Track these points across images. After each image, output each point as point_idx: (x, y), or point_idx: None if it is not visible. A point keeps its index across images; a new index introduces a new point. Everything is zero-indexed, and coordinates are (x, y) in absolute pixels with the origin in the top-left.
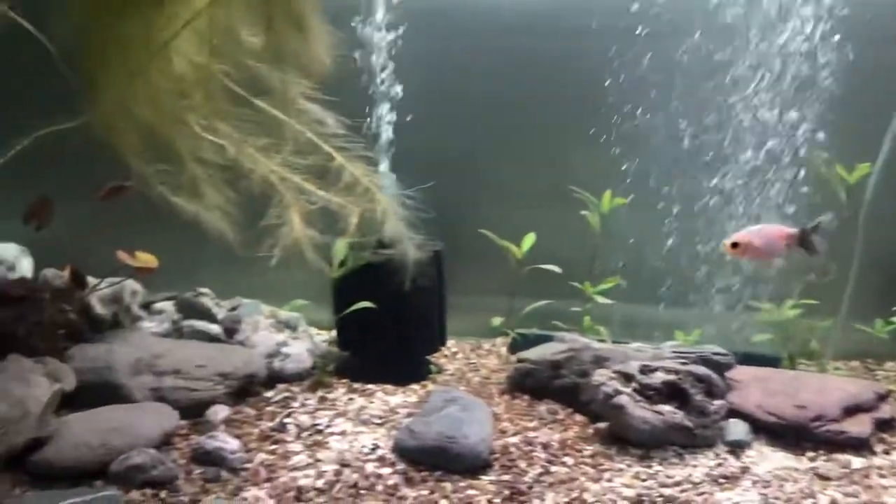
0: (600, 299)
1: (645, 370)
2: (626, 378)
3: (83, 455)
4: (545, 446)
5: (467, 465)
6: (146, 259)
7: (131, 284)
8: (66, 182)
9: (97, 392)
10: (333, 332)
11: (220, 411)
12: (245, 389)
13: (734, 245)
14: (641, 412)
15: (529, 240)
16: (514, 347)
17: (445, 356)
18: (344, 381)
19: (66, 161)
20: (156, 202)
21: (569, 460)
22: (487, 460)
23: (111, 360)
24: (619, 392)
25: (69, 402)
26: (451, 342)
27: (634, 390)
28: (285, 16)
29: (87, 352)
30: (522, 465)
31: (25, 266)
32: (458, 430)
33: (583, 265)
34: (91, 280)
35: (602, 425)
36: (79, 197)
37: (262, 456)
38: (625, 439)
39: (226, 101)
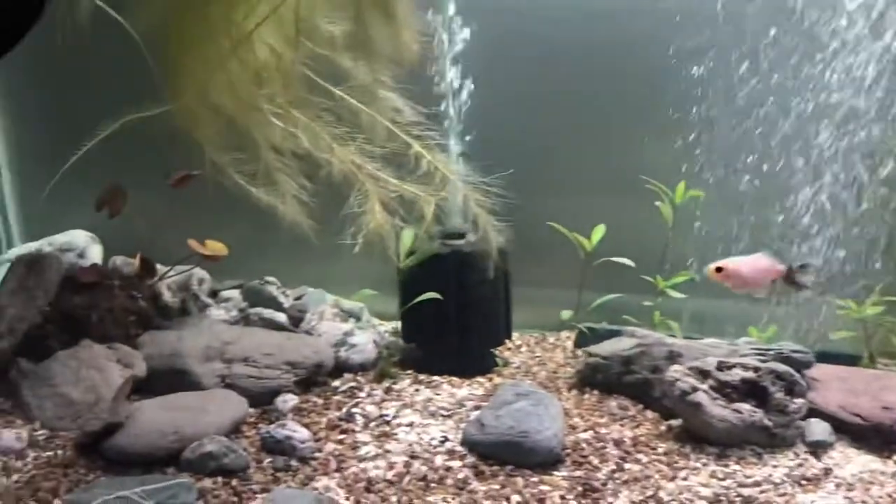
0: (673, 293)
1: (722, 367)
2: (703, 374)
3: (155, 442)
4: (617, 443)
5: (539, 460)
6: (216, 247)
7: (199, 272)
8: (137, 170)
9: (167, 379)
10: (396, 323)
11: (288, 400)
12: (312, 379)
13: (718, 269)
14: (719, 410)
15: (599, 232)
16: (581, 342)
17: (509, 349)
18: (409, 372)
19: (137, 150)
20: (225, 190)
21: (642, 457)
22: (560, 456)
23: (181, 347)
24: (695, 389)
25: (140, 388)
26: (514, 335)
27: (711, 387)
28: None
29: (157, 339)
30: (595, 461)
31: (95, 253)
32: (530, 425)
33: (653, 258)
34: (159, 268)
35: (675, 422)
36: (148, 185)
37: (330, 446)
38: (700, 437)
39: (305, 90)
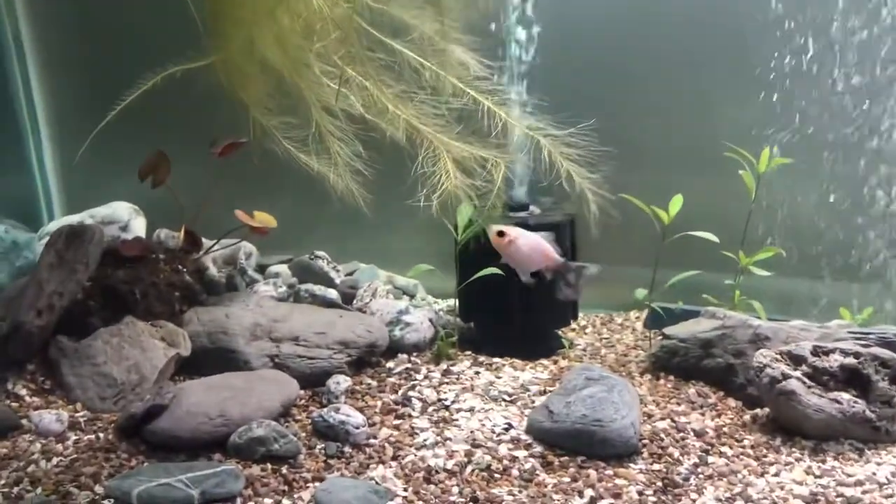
0: (757, 271)
1: (818, 352)
2: (795, 360)
3: (201, 425)
4: (698, 433)
5: (614, 451)
6: (265, 219)
7: (246, 246)
8: (180, 139)
9: (213, 358)
10: (452, 301)
11: (341, 382)
12: (365, 359)
13: (500, 234)
14: (815, 399)
15: (677, 203)
16: (651, 322)
17: (573, 330)
18: (467, 353)
19: (181, 117)
20: (272, 158)
21: (727, 450)
22: (636, 447)
23: (228, 324)
24: (787, 376)
25: (184, 367)
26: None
27: (805, 374)
28: None
29: (202, 315)
30: (675, 453)
31: (138, 226)
32: (603, 412)
33: (732, 233)
34: (205, 241)
35: (761, 412)
36: (191, 154)
37: (386, 431)
38: (792, 430)
39: (360, 44)
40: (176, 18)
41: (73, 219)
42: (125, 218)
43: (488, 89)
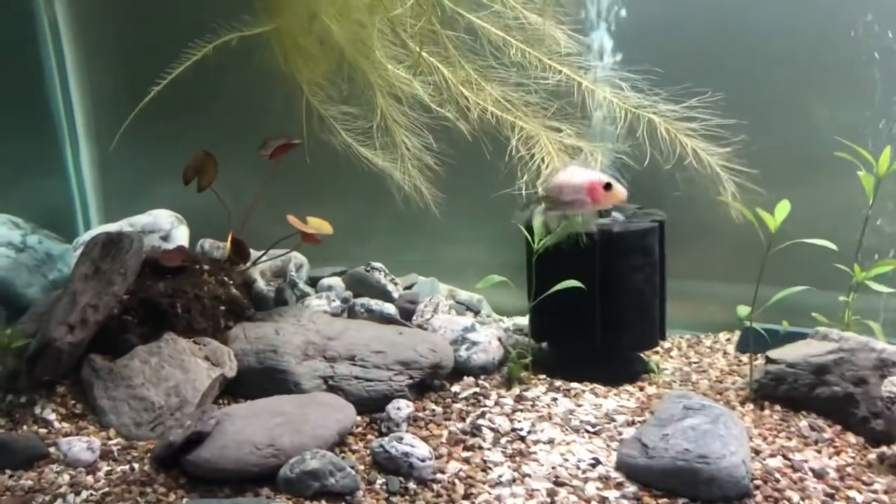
0: (876, 287)
1: None
2: None
3: (248, 456)
4: (818, 474)
5: (722, 492)
6: (319, 225)
7: (296, 256)
8: (226, 141)
9: (261, 379)
10: (521, 319)
11: (402, 407)
12: (428, 382)
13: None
14: None
15: (784, 209)
16: (745, 345)
17: (657, 352)
18: (541, 377)
19: (226, 118)
20: (324, 158)
21: (856, 496)
22: (748, 488)
23: (278, 342)
24: None
25: (229, 389)
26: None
27: None
28: None
29: (250, 332)
30: (794, 497)
31: (181, 235)
32: (709, 447)
33: (842, 243)
34: (253, 252)
35: (889, 450)
36: (238, 157)
37: (455, 465)
38: None
39: (436, 16)
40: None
41: (111, 227)
42: (167, 226)
43: (584, 67)
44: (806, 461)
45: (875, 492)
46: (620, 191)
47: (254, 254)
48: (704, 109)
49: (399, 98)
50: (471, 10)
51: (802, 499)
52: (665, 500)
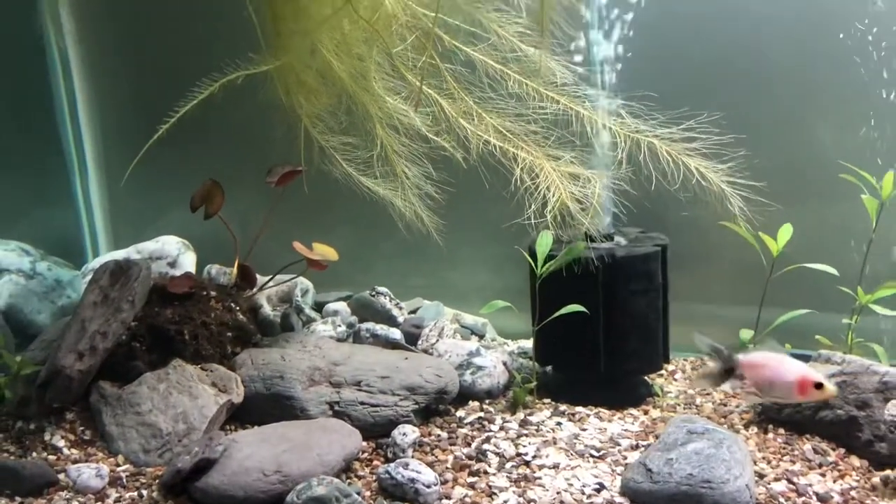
0: (879, 310)
1: None
2: None
3: (255, 482)
4: (822, 498)
5: None
6: (325, 251)
7: (302, 282)
8: (232, 168)
9: (267, 405)
10: (524, 342)
11: (408, 433)
12: (433, 407)
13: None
14: None
15: (786, 232)
16: None
17: (661, 375)
18: (546, 401)
19: (232, 146)
20: (329, 185)
21: None
22: None
23: (284, 368)
24: None
25: (236, 415)
26: None
27: None
28: None
29: (256, 358)
30: None
31: (188, 262)
32: (713, 472)
33: (842, 268)
34: (259, 278)
35: (892, 473)
36: (243, 184)
37: (460, 490)
38: None
39: (436, 50)
40: (231, 40)
41: (119, 254)
42: (174, 253)
43: (581, 96)
44: (810, 485)
45: None
46: (831, 390)
47: (260, 279)
48: (706, 130)
49: (398, 129)
50: (468, 44)
51: None
52: None
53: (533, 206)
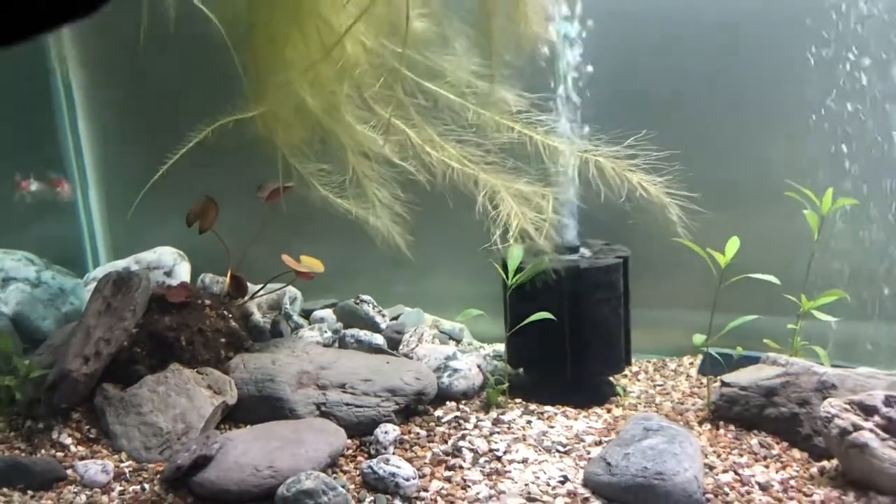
0: (821, 315)
1: (891, 402)
2: (866, 411)
3: (249, 477)
4: (764, 487)
5: None
6: (311, 263)
7: (291, 290)
8: (224, 183)
9: (259, 406)
10: (499, 346)
11: (389, 431)
12: (413, 407)
13: None
14: (891, 453)
15: (733, 245)
16: (706, 368)
17: (625, 376)
18: (518, 401)
19: (224, 162)
20: (314, 203)
21: None
22: (700, 501)
23: (275, 371)
24: (858, 427)
25: (230, 415)
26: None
27: (878, 426)
28: None
29: (249, 362)
30: None
31: (183, 271)
32: (665, 465)
33: (788, 276)
34: (250, 286)
35: (829, 464)
36: (235, 198)
37: (437, 484)
38: (865, 484)
39: (403, 90)
40: (217, 66)
41: (119, 264)
42: (170, 263)
43: (533, 122)
44: (754, 476)
45: (813, 502)
46: None
47: (251, 288)
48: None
49: (368, 155)
50: (431, 80)
51: None
52: None
53: (497, 232)
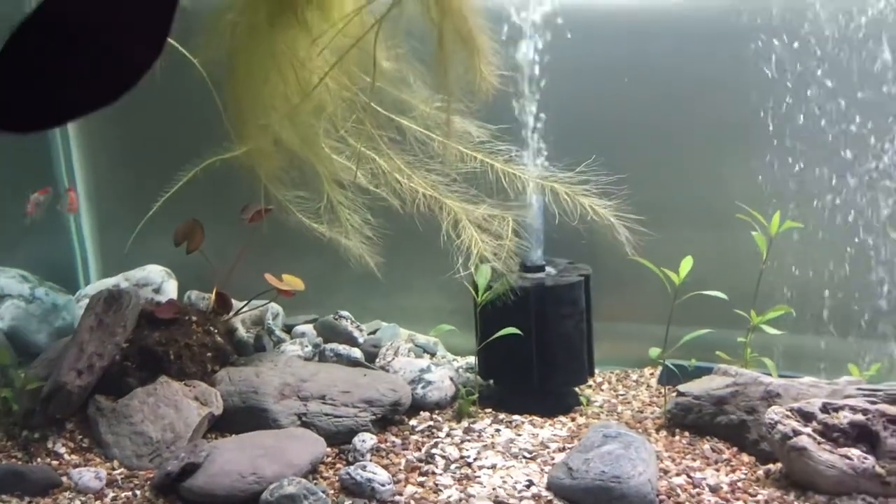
0: (768, 329)
1: (828, 409)
2: (805, 417)
3: (235, 483)
4: (713, 489)
5: None
6: (293, 282)
7: (273, 307)
8: (208, 207)
9: (243, 416)
10: (471, 359)
11: (367, 440)
12: (389, 417)
13: None
14: (827, 456)
15: (687, 264)
16: (666, 379)
17: (590, 387)
18: (488, 410)
19: (210, 186)
20: (296, 226)
21: None
22: (654, 502)
23: (258, 384)
24: (798, 432)
25: (216, 426)
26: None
27: (815, 431)
28: (453, 34)
29: (234, 375)
30: None
31: (171, 288)
32: (621, 469)
33: (740, 292)
34: (234, 303)
35: (774, 467)
36: (220, 219)
37: (411, 489)
38: (805, 485)
39: (372, 123)
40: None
41: (109, 282)
42: (158, 280)
43: (494, 151)
44: (705, 479)
45: (758, 501)
46: None
47: (235, 304)
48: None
49: (341, 183)
50: (399, 115)
51: None
52: None
53: (460, 260)
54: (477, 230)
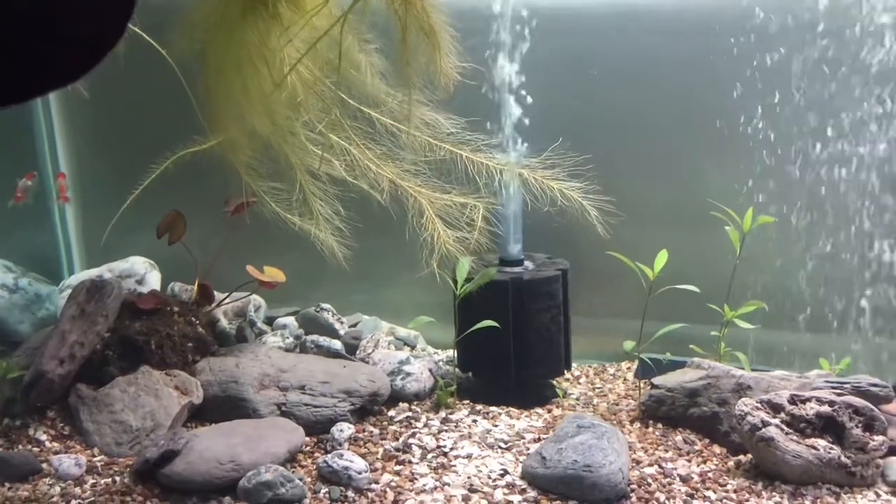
0: (741, 323)
1: (795, 400)
2: (774, 408)
3: (212, 470)
4: (684, 479)
5: (603, 495)
6: (274, 273)
7: (255, 299)
8: (193, 198)
9: (224, 406)
10: (451, 352)
11: (345, 429)
12: (368, 408)
13: None
14: (793, 446)
15: (662, 258)
16: (642, 373)
17: (568, 380)
18: (465, 402)
19: (189, 178)
20: (268, 218)
21: (711, 494)
22: (625, 491)
23: (238, 374)
24: (766, 423)
25: (196, 415)
26: (573, 365)
27: (783, 422)
28: (417, 28)
29: (214, 365)
30: (661, 497)
31: (154, 279)
32: (593, 459)
33: (715, 288)
34: (217, 294)
35: (744, 458)
36: (203, 211)
37: (387, 477)
38: (772, 474)
39: (343, 114)
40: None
41: (92, 273)
42: (141, 272)
43: (463, 141)
44: (676, 469)
45: (727, 491)
46: None
47: (218, 296)
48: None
49: (314, 174)
50: (371, 107)
51: (668, 499)
52: (559, 502)
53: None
54: (441, 222)
